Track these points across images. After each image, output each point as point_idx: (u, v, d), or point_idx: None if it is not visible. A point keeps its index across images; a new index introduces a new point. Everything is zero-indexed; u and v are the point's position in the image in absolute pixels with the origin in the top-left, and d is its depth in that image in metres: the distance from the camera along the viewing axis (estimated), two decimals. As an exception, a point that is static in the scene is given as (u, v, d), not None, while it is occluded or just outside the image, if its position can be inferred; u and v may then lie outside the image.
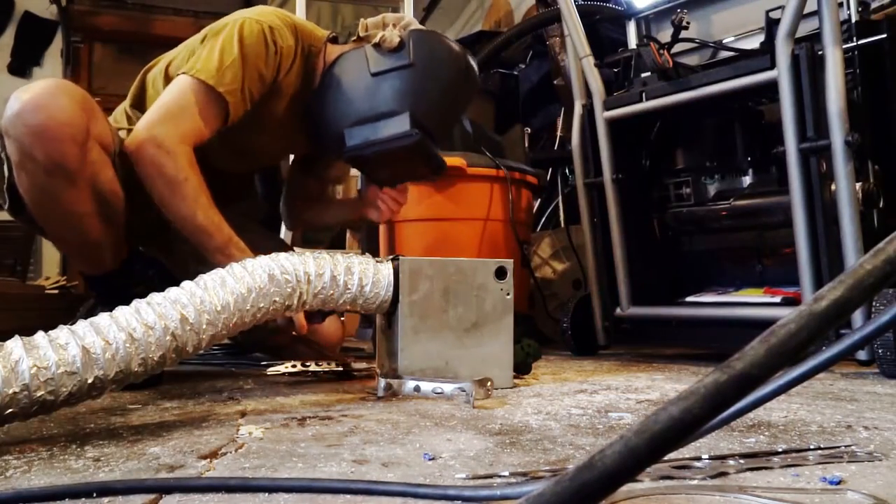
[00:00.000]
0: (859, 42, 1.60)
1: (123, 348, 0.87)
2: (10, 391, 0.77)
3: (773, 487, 0.60)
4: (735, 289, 1.87)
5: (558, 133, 3.05)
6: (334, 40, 1.62)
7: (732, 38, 1.95)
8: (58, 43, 4.78)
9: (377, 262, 1.22)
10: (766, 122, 1.88)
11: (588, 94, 1.98)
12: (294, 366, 1.38)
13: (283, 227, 2.79)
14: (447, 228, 2.21)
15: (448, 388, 1.13)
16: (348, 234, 3.31)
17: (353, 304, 1.19)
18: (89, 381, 0.84)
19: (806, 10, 1.52)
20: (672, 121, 1.98)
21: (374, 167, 1.59)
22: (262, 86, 1.46)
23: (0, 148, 1.27)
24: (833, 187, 1.48)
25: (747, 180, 1.90)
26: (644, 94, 1.83)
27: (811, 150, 1.51)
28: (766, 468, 0.67)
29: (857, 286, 0.33)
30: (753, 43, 1.84)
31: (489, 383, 1.09)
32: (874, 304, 1.41)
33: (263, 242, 1.72)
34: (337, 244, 3.52)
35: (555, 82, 2.88)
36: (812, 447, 0.75)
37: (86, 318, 0.89)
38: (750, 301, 1.74)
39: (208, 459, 0.72)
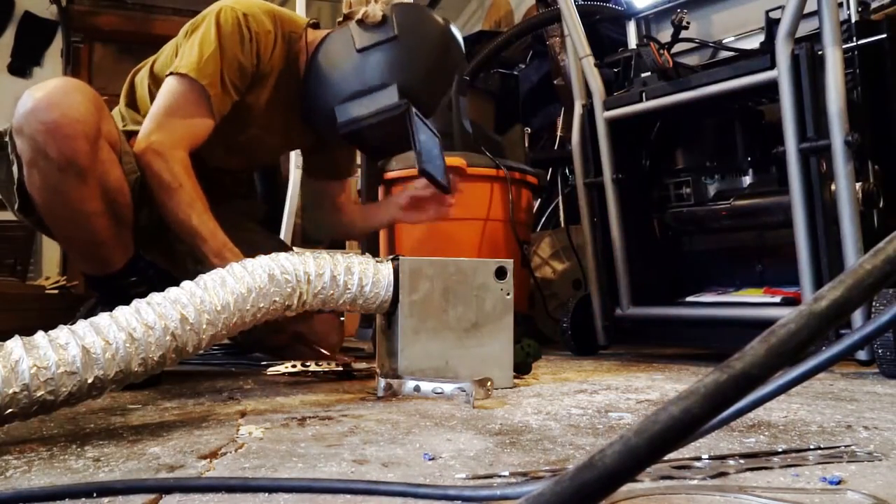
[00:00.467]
0: (859, 42, 1.60)
1: (123, 348, 0.87)
2: (10, 391, 0.77)
3: (773, 487, 0.60)
4: (735, 289, 1.87)
5: (558, 133, 3.05)
6: (315, 26, 1.63)
7: (732, 38, 1.95)
8: (58, 43, 4.78)
9: (377, 262, 1.22)
10: (766, 122, 1.88)
11: (588, 94, 1.98)
12: (294, 366, 1.39)
13: (283, 228, 2.79)
14: (447, 228, 2.21)
15: (448, 388, 1.13)
16: (348, 234, 3.31)
17: (353, 304, 1.19)
18: (89, 381, 0.84)
19: (806, 10, 1.52)
20: (672, 121, 1.98)
21: (369, 142, 1.61)
22: (243, 75, 1.48)
23: (10, 149, 1.28)
24: (833, 187, 1.48)
25: (747, 180, 1.90)
26: (644, 94, 1.83)
27: (811, 150, 1.51)
28: (766, 468, 0.67)
29: (857, 286, 0.33)
30: (753, 43, 1.84)
31: (489, 383, 1.09)
32: (874, 304, 1.41)
33: (263, 242, 1.72)
34: (337, 244, 3.52)
35: (555, 82, 2.88)
36: (812, 447, 0.75)
37: (86, 317, 0.89)
38: (750, 301, 1.74)
39: (208, 459, 0.72)
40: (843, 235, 1.46)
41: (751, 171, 1.89)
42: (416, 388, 1.15)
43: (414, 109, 1.49)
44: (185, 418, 0.97)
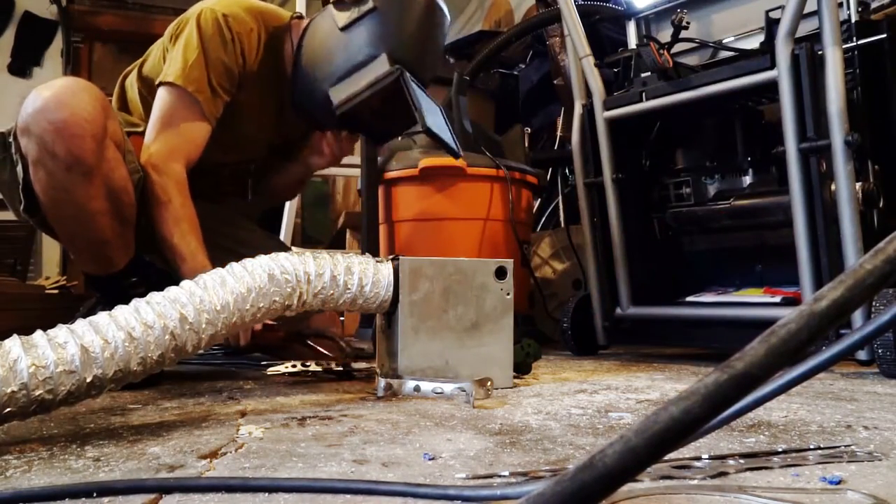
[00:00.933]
0: (859, 42, 1.60)
1: (122, 347, 0.87)
2: (9, 390, 0.77)
3: (773, 487, 0.60)
4: (735, 289, 1.87)
5: (558, 133, 3.05)
6: (300, 19, 1.63)
7: (732, 38, 1.95)
8: (58, 43, 4.78)
9: (377, 262, 1.22)
10: (766, 122, 1.88)
11: (588, 94, 1.98)
12: (294, 366, 1.38)
13: (283, 228, 2.79)
14: (447, 228, 2.21)
15: (448, 388, 1.13)
16: (348, 234, 3.32)
17: (353, 304, 1.19)
18: (88, 380, 0.83)
19: (806, 10, 1.52)
20: (672, 121, 1.98)
21: (370, 121, 1.59)
22: (230, 76, 1.49)
23: (15, 150, 1.28)
24: (833, 187, 1.48)
25: (747, 180, 1.89)
26: (644, 94, 1.83)
27: (811, 150, 1.51)
28: (766, 468, 0.67)
29: (857, 286, 0.33)
30: (753, 43, 1.84)
31: (489, 383, 1.08)
32: (874, 304, 1.41)
33: (262, 242, 1.72)
34: (337, 244, 3.52)
35: (555, 82, 2.88)
36: (812, 447, 0.75)
37: (85, 317, 0.89)
38: (750, 301, 1.74)
39: (208, 459, 0.72)
40: (843, 235, 1.46)
41: (751, 171, 1.88)
42: (416, 388, 1.15)
43: (408, 75, 1.46)
44: (185, 418, 0.97)
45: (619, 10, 2.34)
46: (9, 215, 1.44)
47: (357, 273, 1.17)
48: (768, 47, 1.63)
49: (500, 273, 1.29)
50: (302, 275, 1.11)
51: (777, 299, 1.68)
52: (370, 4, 1.48)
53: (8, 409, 0.78)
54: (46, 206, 1.28)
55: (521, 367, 1.39)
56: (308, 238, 4.64)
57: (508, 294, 1.28)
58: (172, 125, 1.44)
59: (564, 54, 2.61)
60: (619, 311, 1.93)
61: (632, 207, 1.95)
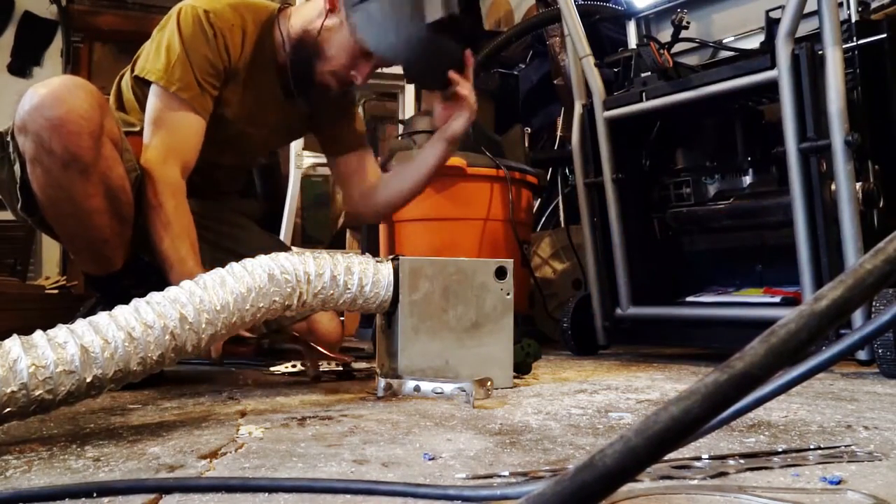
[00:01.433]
0: (859, 42, 1.60)
1: (122, 347, 0.87)
2: (9, 390, 0.77)
3: (773, 487, 0.60)
4: (735, 289, 1.87)
5: (558, 133, 3.05)
6: (287, 7, 1.63)
7: (732, 38, 1.95)
8: (58, 43, 4.78)
9: (377, 262, 1.22)
10: (766, 122, 1.88)
11: (588, 94, 1.98)
12: (294, 366, 1.38)
13: (282, 228, 2.80)
14: (447, 228, 2.21)
15: (448, 388, 1.13)
16: (348, 234, 3.32)
17: (353, 303, 1.19)
18: (88, 380, 0.83)
19: (806, 10, 1.52)
20: (672, 121, 1.98)
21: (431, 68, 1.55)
22: (216, 71, 1.48)
23: (12, 148, 1.28)
24: (833, 187, 1.48)
25: (747, 180, 1.90)
26: (644, 94, 1.83)
27: (811, 149, 1.51)
28: (766, 468, 0.67)
29: (857, 286, 0.33)
30: (753, 43, 1.84)
31: (489, 383, 1.08)
32: (874, 304, 1.41)
33: (262, 242, 1.72)
34: (337, 244, 3.52)
35: (555, 82, 2.88)
36: (812, 447, 0.75)
37: (85, 317, 0.89)
38: (750, 301, 1.74)
39: (208, 459, 0.72)
40: (843, 235, 1.46)
41: (751, 171, 1.88)
42: (416, 388, 1.15)
43: None
44: (185, 418, 0.97)
45: (619, 10, 2.34)
46: (9, 215, 1.44)
47: (357, 273, 1.17)
48: (768, 47, 1.63)
49: (500, 273, 1.29)
50: (302, 275, 1.11)
51: (777, 299, 1.68)
52: None
53: (8, 409, 0.78)
54: (44, 205, 1.28)
55: (521, 367, 1.39)
56: (308, 238, 4.64)
57: (508, 294, 1.28)
58: (164, 127, 1.44)
59: (564, 54, 2.61)
60: (619, 311, 1.93)
61: (632, 207, 1.95)
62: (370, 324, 2.50)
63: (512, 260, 1.31)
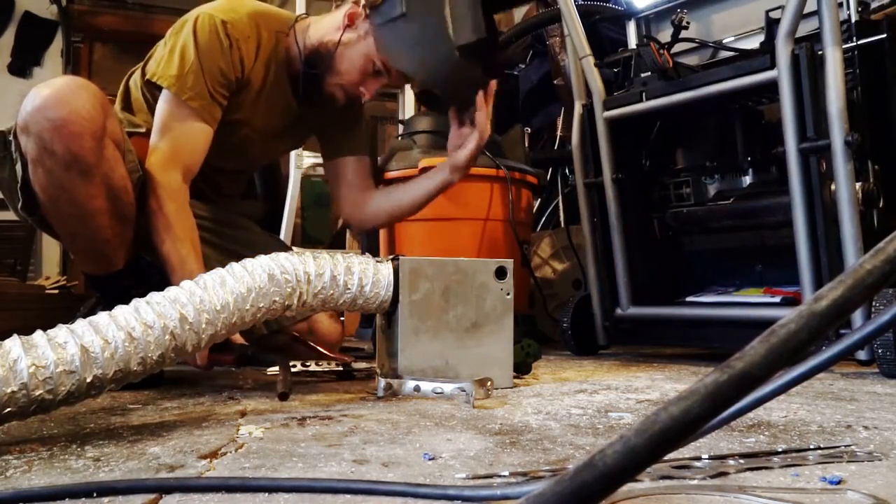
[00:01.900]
0: (859, 42, 1.60)
1: (122, 347, 0.87)
2: (9, 390, 0.77)
3: (773, 487, 0.60)
4: (735, 289, 1.87)
5: (558, 133, 3.05)
6: (305, 18, 1.63)
7: (732, 38, 1.95)
8: (58, 43, 4.78)
9: (377, 262, 1.22)
10: (766, 122, 1.88)
11: (588, 94, 1.98)
12: (294, 366, 1.38)
13: (282, 228, 2.80)
14: (447, 228, 2.21)
15: (448, 388, 1.13)
16: (348, 234, 3.32)
17: (353, 304, 1.19)
18: (88, 380, 0.83)
19: (806, 10, 1.52)
20: (672, 121, 1.98)
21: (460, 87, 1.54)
22: (228, 82, 1.49)
23: (14, 147, 1.28)
24: (833, 187, 1.48)
25: (747, 180, 1.90)
26: (644, 94, 1.83)
27: (811, 150, 1.51)
28: (766, 468, 0.67)
29: (857, 286, 0.33)
30: (753, 43, 1.84)
31: (489, 383, 1.08)
32: (874, 304, 1.41)
33: (262, 242, 1.72)
34: (337, 244, 3.52)
35: (555, 82, 2.88)
36: (812, 447, 0.75)
37: (85, 317, 0.89)
38: (750, 301, 1.74)
39: (208, 459, 0.72)
40: (843, 235, 1.46)
41: (751, 171, 1.89)
42: (416, 388, 1.15)
43: None
44: (185, 418, 0.97)
45: (619, 10, 2.34)
46: (9, 215, 1.44)
47: (357, 273, 1.17)
48: (768, 47, 1.63)
49: (500, 273, 1.29)
50: (302, 275, 1.11)
51: (777, 299, 1.68)
52: (401, 9, 1.44)
53: (8, 409, 0.78)
54: (45, 205, 1.28)
55: (521, 367, 1.39)
56: (308, 238, 4.64)
57: (508, 294, 1.28)
58: (171, 133, 1.44)
59: (564, 54, 2.61)
60: (619, 311, 1.93)
61: (632, 207, 1.95)
62: (370, 324, 2.50)
63: (512, 260, 1.31)
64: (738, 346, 0.33)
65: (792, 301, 1.64)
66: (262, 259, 1.08)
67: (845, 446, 0.76)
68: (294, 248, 1.90)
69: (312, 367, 1.41)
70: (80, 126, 1.19)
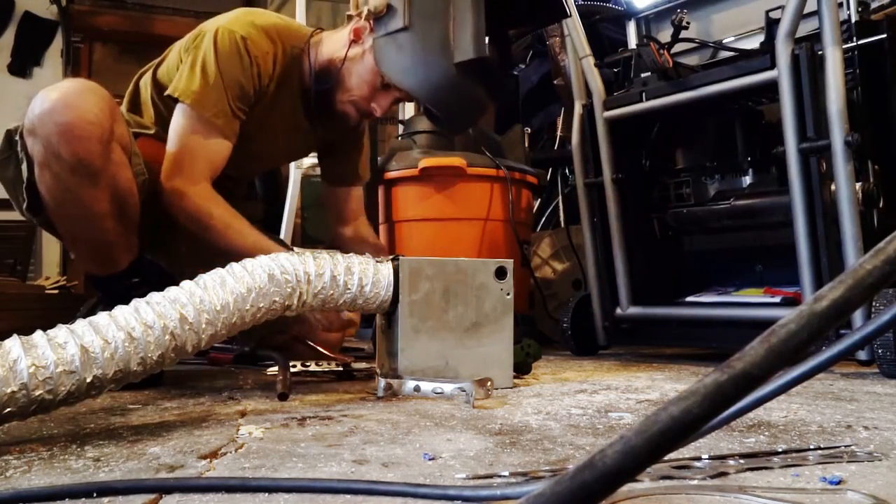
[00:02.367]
0: (859, 42, 1.60)
1: (122, 347, 0.87)
2: (9, 390, 0.77)
3: (773, 487, 0.60)
4: (735, 289, 1.87)
5: (558, 133, 3.04)
6: (320, 31, 1.64)
7: (732, 38, 1.95)
8: (58, 43, 4.78)
9: (377, 262, 1.22)
10: (766, 122, 1.88)
11: (588, 94, 1.98)
12: (294, 366, 1.38)
13: (282, 228, 2.79)
14: (447, 228, 2.21)
15: (448, 388, 1.13)
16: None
17: (353, 304, 1.19)
18: (88, 380, 0.83)
19: (806, 10, 1.52)
20: (672, 121, 1.98)
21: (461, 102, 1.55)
22: (245, 96, 1.50)
23: (20, 148, 1.29)
24: (833, 187, 1.48)
25: (747, 180, 1.89)
26: (644, 94, 1.83)
27: (811, 150, 1.51)
28: (766, 468, 0.67)
29: (857, 286, 0.33)
30: (753, 43, 1.84)
31: (489, 383, 1.08)
32: (874, 304, 1.40)
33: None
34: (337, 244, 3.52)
35: (555, 82, 2.88)
36: (812, 447, 0.75)
37: (85, 317, 0.89)
38: (750, 301, 1.74)
39: (208, 459, 0.72)
40: (843, 235, 1.46)
41: (751, 171, 1.88)
42: (416, 388, 1.15)
43: None
44: (185, 418, 0.97)
45: (619, 10, 2.34)
46: (9, 215, 1.45)
47: (357, 273, 1.17)
48: (768, 47, 1.63)
49: (500, 273, 1.29)
50: (302, 275, 1.11)
51: (777, 299, 1.68)
52: (402, 23, 1.44)
53: (8, 409, 0.78)
54: (51, 207, 1.28)
55: (521, 367, 1.39)
56: (308, 238, 4.63)
57: (508, 294, 1.28)
58: (191, 151, 1.46)
59: (564, 54, 2.61)
60: (619, 311, 1.93)
61: (632, 207, 1.95)
62: (370, 324, 2.50)
63: (512, 260, 1.31)
64: (738, 346, 0.33)
65: (792, 301, 1.64)
66: (262, 259, 1.08)
67: (845, 446, 0.76)
68: (294, 248, 1.90)
69: (312, 367, 1.41)
70: (87, 130, 1.20)
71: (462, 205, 2.21)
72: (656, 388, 1.28)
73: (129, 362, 0.88)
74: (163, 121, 1.56)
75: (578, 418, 0.96)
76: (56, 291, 2.21)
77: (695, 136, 2.01)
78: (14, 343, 0.80)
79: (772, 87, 1.58)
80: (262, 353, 1.55)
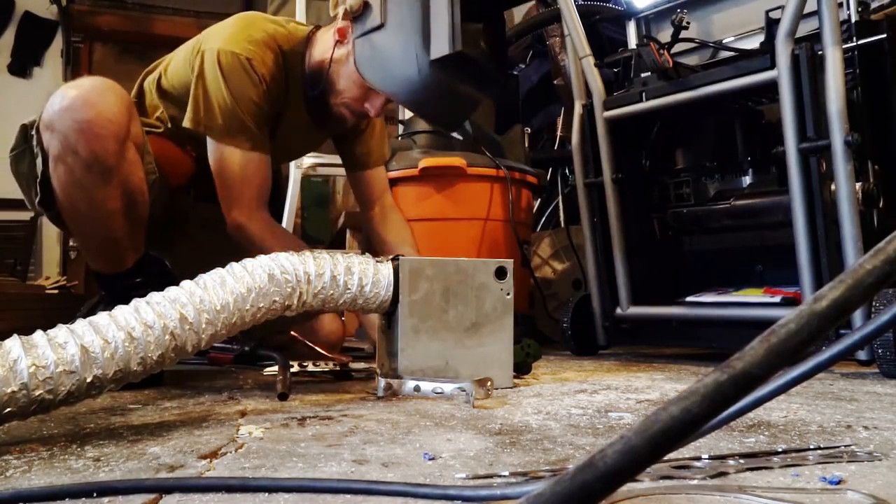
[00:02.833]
0: (859, 42, 1.60)
1: (122, 347, 0.87)
2: (9, 390, 0.77)
3: (773, 487, 0.60)
4: (735, 289, 1.87)
5: (558, 133, 3.05)
6: (318, 29, 1.64)
7: (732, 38, 1.95)
8: (58, 43, 4.78)
9: (377, 261, 1.22)
10: (766, 122, 1.88)
11: (588, 94, 1.98)
12: (293, 366, 1.38)
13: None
14: (447, 228, 2.21)
15: (448, 388, 1.13)
16: (348, 234, 3.31)
17: (353, 304, 1.19)
18: (88, 380, 0.84)
19: (806, 10, 1.52)
20: (672, 121, 1.98)
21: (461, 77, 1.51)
22: (260, 111, 1.53)
23: (36, 143, 1.29)
24: (833, 187, 1.48)
25: (747, 180, 1.89)
26: (644, 94, 1.83)
27: (811, 150, 1.51)
28: (766, 468, 0.67)
29: (857, 286, 0.33)
30: (753, 43, 1.84)
31: (489, 383, 1.08)
32: (874, 304, 1.41)
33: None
34: (337, 244, 3.52)
35: (555, 82, 2.88)
36: (812, 447, 0.75)
37: (85, 317, 0.89)
38: (750, 301, 1.74)
39: (208, 459, 0.72)
40: (843, 235, 1.46)
41: (751, 171, 1.88)
42: (416, 388, 1.15)
43: None
44: (185, 418, 0.97)
45: (619, 10, 2.34)
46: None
47: (357, 273, 1.17)
48: (768, 47, 1.63)
49: (500, 273, 1.29)
50: (302, 275, 1.11)
51: (777, 299, 1.68)
52: (378, 21, 1.44)
53: (8, 409, 0.78)
54: (63, 203, 1.29)
55: (521, 367, 1.39)
56: (308, 238, 4.64)
57: (508, 294, 1.28)
58: (234, 181, 1.51)
59: (564, 54, 2.61)
60: (619, 311, 1.93)
61: (632, 207, 1.95)
62: (370, 324, 2.50)
63: (512, 260, 1.31)
64: (738, 346, 0.33)
65: (792, 301, 1.64)
66: (262, 259, 1.08)
67: (845, 446, 0.76)
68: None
69: (311, 367, 1.41)
70: (104, 129, 1.21)
71: (462, 205, 2.21)
72: (656, 388, 1.28)
73: (129, 362, 0.88)
74: (168, 124, 1.59)
75: (578, 418, 0.96)
76: (56, 291, 2.21)
77: (695, 135, 2.01)
78: (14, 343, 0.80)
79: (772, 87, 1.58)
80: (262, 353, 1.55)
